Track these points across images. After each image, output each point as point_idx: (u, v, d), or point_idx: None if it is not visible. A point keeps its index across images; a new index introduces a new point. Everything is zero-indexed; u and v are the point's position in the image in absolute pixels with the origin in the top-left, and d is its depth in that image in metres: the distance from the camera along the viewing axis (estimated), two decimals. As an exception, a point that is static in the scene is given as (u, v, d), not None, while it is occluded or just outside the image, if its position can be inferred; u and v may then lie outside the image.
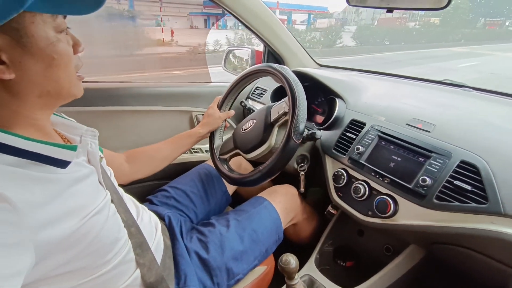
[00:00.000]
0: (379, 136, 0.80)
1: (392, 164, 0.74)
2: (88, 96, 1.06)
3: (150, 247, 0.59)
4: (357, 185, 0.78)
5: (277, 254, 0.85)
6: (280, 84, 1.21)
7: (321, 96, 1.15)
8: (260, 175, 0.77)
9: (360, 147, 0.80)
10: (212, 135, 0.98)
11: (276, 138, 0.83)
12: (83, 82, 0.50)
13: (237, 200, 1.06)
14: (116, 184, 0.61)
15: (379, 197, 0.73)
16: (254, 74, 0.91)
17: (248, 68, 0.93)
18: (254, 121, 0.89)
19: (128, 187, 1.17)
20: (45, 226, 0.38)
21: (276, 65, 0.83)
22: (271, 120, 0.83)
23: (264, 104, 1.24)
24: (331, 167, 0.89)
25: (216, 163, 0.94)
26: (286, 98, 0.79)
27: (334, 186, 0.86)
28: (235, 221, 0.81)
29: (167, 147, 0.90)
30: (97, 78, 1.19)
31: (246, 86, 1.00)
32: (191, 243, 0.75)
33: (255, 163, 0.97)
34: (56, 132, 0.53)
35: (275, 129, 0.83)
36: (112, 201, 0.53)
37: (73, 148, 0.44)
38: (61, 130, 0.54)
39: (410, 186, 0.68)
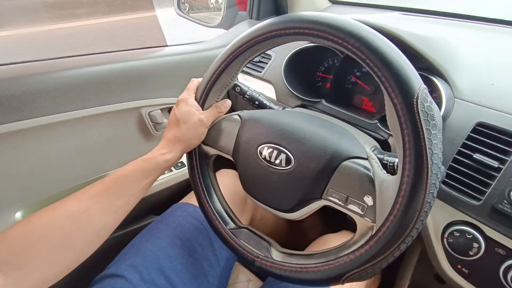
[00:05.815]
0: None
1: None
2: None
3: None
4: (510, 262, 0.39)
5: None
6: (298, 49, 0.67)
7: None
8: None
9: None
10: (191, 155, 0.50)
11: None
12: None
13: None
14: None
15: None
16: (270, 39, 0.40)
17: (255, 27, 0.41)
18: (292, 160, 0.40)
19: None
20: None
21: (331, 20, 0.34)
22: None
23: (269, 82, 0.72)
24: (439, 218, 0.48)
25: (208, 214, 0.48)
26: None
27: (452, 255, 0.46)
28: None
29: (95, 205, 0.39)
30: None
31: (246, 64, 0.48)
32: None
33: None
34: None
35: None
36: None
37: None
38: None
39: None
